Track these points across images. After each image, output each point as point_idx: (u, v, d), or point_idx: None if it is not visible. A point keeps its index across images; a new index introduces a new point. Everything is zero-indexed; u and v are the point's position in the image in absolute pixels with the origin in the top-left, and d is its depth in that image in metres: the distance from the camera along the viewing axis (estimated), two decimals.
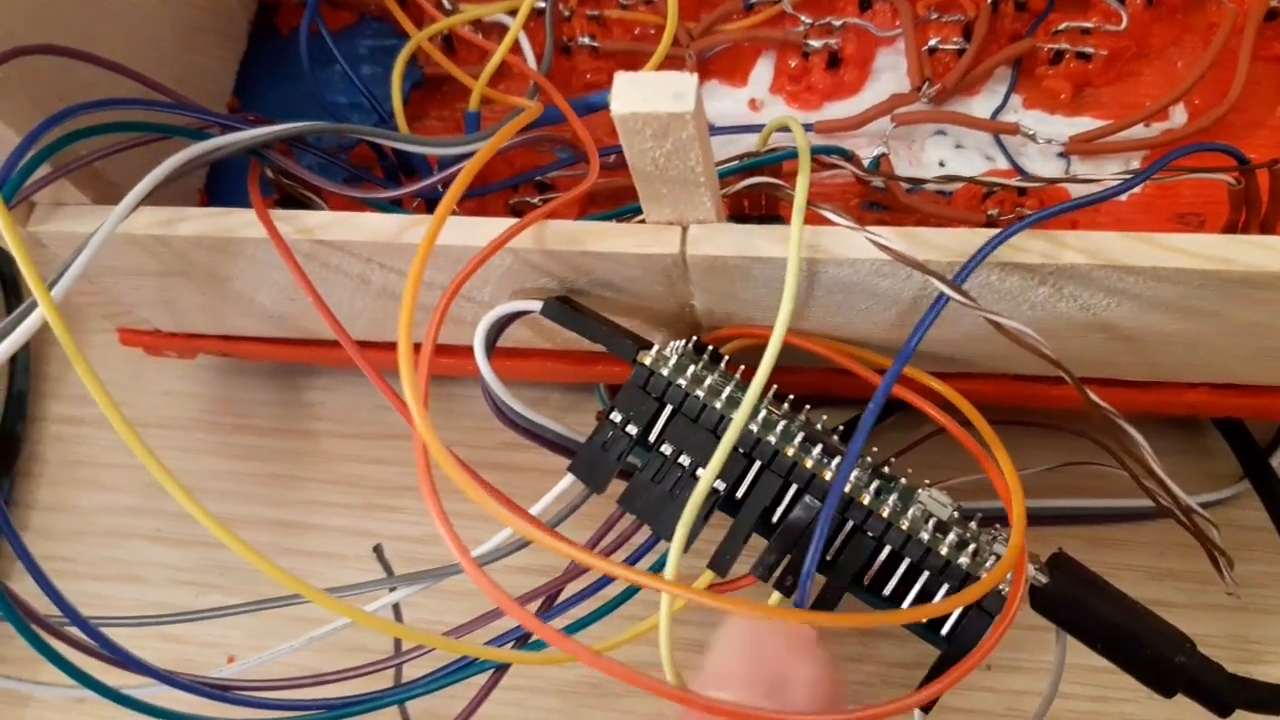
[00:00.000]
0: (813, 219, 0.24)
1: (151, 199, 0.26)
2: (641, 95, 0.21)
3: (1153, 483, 0.26)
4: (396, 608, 0.30)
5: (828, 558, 0.24)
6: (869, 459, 0.25)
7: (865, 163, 0.31)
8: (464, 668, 0.26)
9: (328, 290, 0.28)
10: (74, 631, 0.24)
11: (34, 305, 0.22)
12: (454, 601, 0.30)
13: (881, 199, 0.31)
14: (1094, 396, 0.23)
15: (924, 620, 0.23)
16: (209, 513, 0.23)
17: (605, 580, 0.26)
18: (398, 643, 0.30)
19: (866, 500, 0.24)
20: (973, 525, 0.24)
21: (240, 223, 0.27)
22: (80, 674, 0.23)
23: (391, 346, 0.31)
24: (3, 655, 0.34)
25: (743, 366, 0.26)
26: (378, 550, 0.33)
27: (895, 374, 0.23)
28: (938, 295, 0.22)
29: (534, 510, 0.25)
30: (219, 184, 0.34)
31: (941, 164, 0.32)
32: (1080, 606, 0.24)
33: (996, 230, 0.23)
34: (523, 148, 0.34)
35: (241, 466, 0.36)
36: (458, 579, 0.27)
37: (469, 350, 0.30)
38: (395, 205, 0.30)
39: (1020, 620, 0.30)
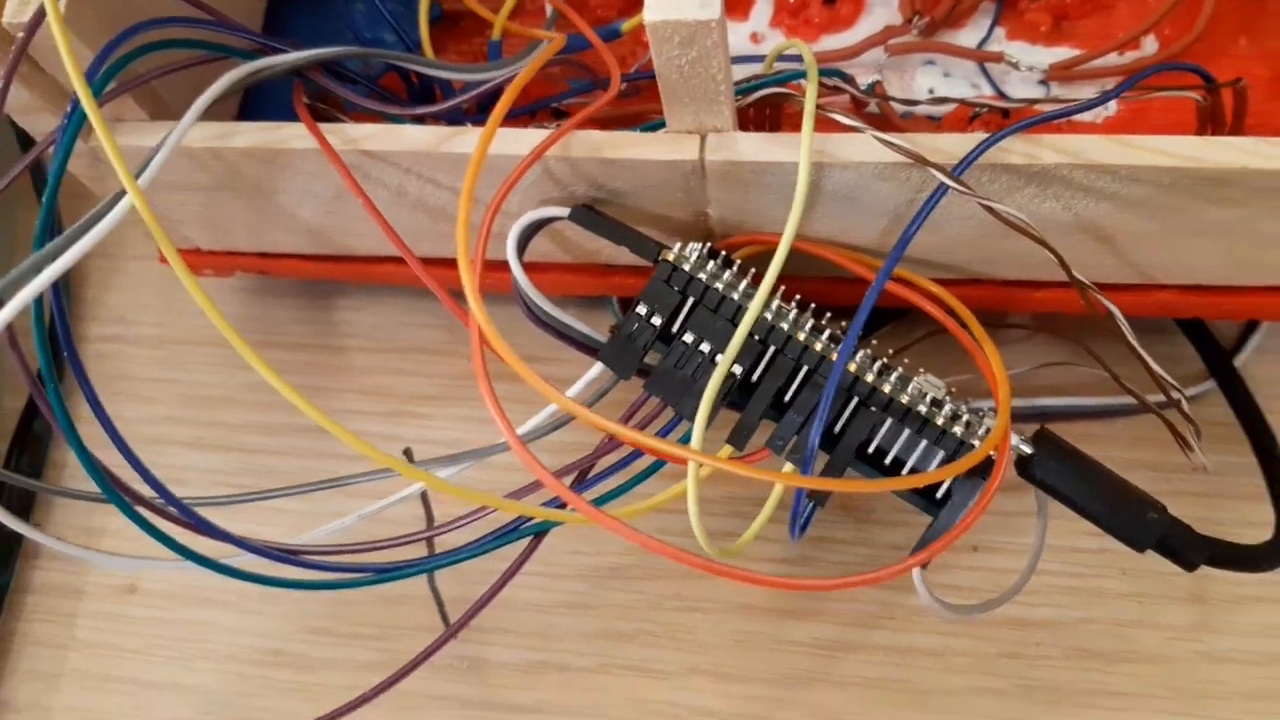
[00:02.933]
0: (820, 127, 0.26)
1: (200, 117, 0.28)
2: (672, 3, 0.24)
3: (1128, 369, 0.29)
4: (425, 496, 0.33)
5: (835, 431, 0.27)
6: (869, 351, 0.27)
7: (862, 88, 0.33)
8: (501, 537, 0.28)
9: (358, 208, 0.31)
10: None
11: (122, 193, 0.24)
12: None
13: (876, 123, 0.34)
14: (1079, 275, 0.26)
15: (922, 486, 0.26)
16: (316, 407, 0.25)
17: (632, 457, 0.28)
18: (429, 518, 0.32)
19: (870, 379, 0.26)
20: (963, 406, 0.27)
21: (290, 135, 0.29)
22: (182, 547, 0.26)
23: (424, 261, 0.34)
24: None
25: (753, 270, 0.28)
26: (407, 453, 0.35)
27: (896, 257, 0.25)
28: (937, 186, 0.25)
29: (568, 394, 0.27)
30: (251, 108, 0.36)
31: (931, 91, 0.35)
32: (1061, 472, 0.27)
33: (987, 134, 0.26)
34: (538, 78, 0.36)
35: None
36: (479, 473, 0.30)
37: (493, 265, 0.33)
38: (420, 124, 0.32)
39: (1003, 506, 0.33)
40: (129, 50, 0.26)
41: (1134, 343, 0.26)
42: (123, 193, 0.24)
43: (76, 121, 0.25)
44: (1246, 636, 0.32)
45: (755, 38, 0.36)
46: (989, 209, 0.25)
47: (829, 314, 0.28)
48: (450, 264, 0.32)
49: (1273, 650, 0.32)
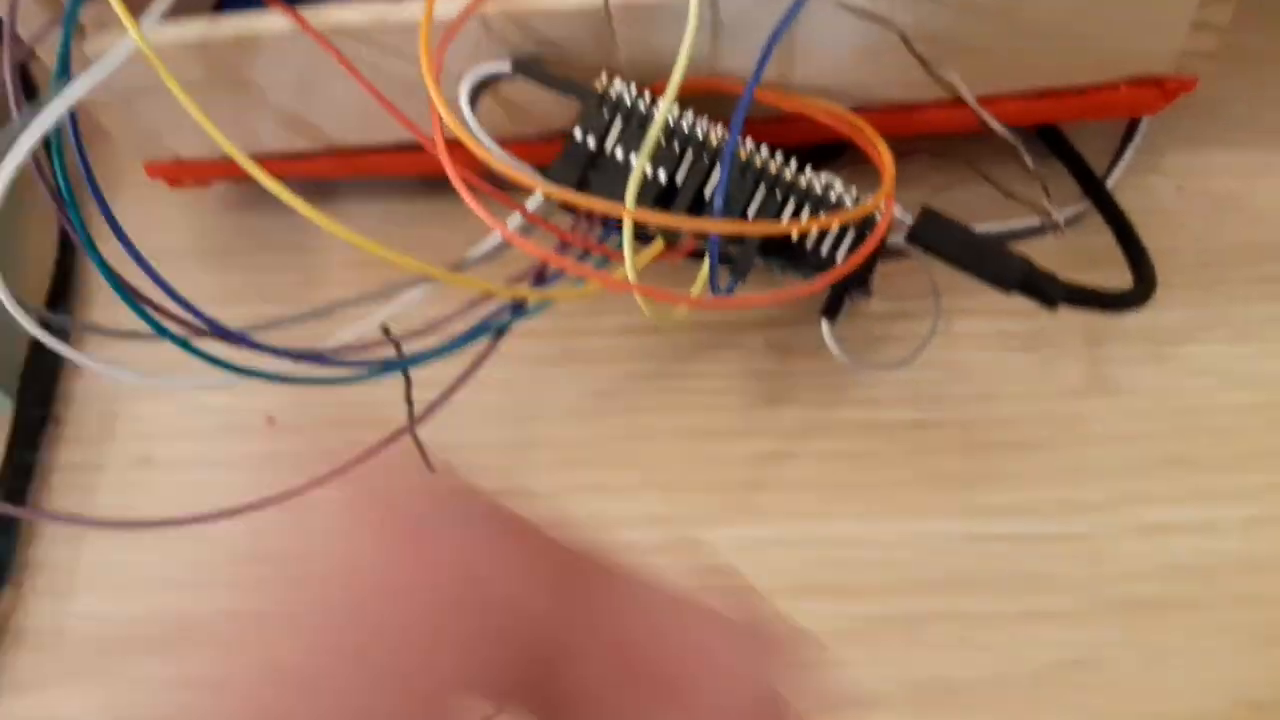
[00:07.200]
0: None
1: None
2: None
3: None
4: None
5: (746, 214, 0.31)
6: (770, 149, 0.32)
7: None
8: (470, 336, 0.33)
9: (327, 85, 0.35)
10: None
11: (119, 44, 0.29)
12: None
13: None
14: (919, 50, 0.30)
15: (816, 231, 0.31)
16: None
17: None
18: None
19: (772, 169, 0.31)
20: (855, 189, 0.32)
21: (266, 19, 0.34)
22: (208, 355, 0.31)
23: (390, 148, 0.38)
24: None
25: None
26: (385, 330, 0.39)
27: (766, 56, 0.30)
28: None
29: (529, 205, 0.32)
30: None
31: None
32: (938, 231, 0.32)
33: None
34: None
35: (266, 279, 0.43)
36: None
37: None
38: None
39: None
40: None
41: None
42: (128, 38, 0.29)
43: None
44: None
45: None
46: (844, 6, 0.30)
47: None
48: (415, 148, 0.36)
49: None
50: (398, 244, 0.42)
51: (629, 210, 0.29)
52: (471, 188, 0.31)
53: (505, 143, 0.38)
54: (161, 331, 0.31)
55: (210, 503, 0.39)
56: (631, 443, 0.38)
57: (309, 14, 0.34)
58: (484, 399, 0.37)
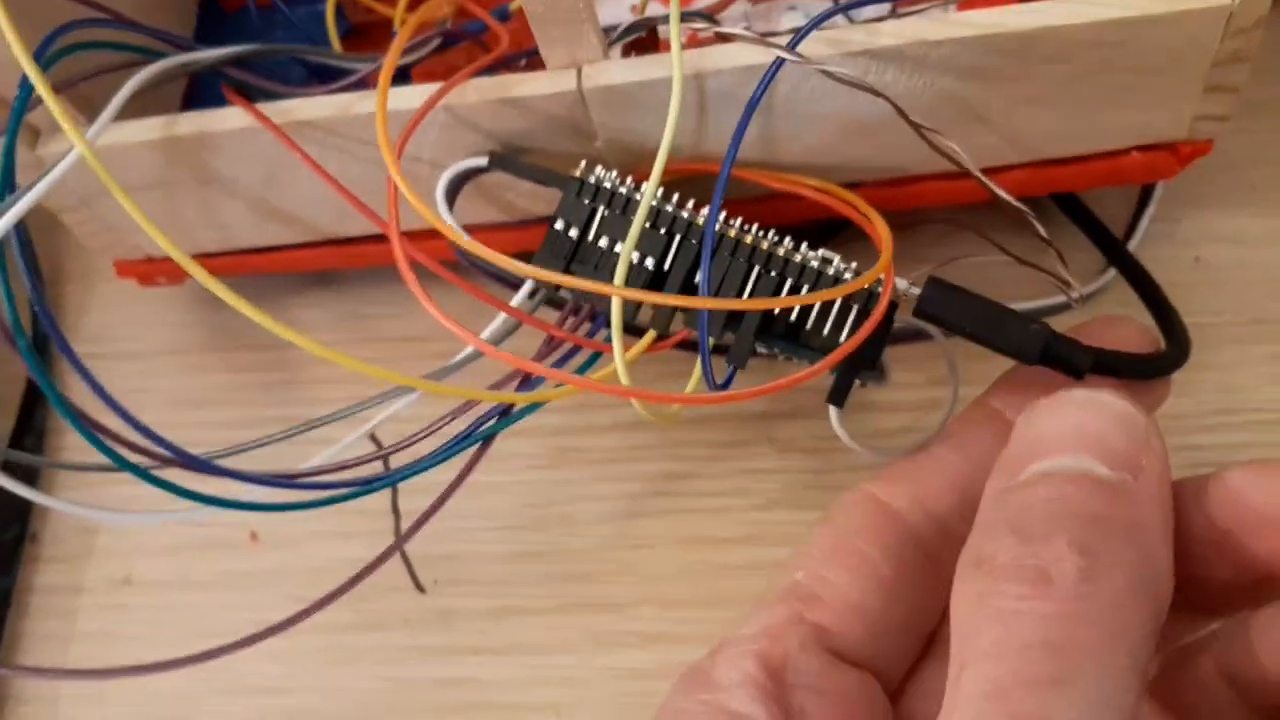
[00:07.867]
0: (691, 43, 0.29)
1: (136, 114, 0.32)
2: None
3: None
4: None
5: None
6: (764, 229, 0.30)
7: None
8: (455, 446, 0.31)
9: (296, 179, 0.34)
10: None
11: (71, 148, 0.27)
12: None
13: None
14: (919, 122, 0.28)
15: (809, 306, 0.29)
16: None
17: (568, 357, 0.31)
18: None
19: (763, 246, 0.29)
20: (854, 265, 0.29)
21: (225, 115, 0.32)
22: (183, 489, 0.29)
23: (353, 241, 0.37)
24: None
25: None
26: (372, 437, 0.37)
27: (743, 126, 0.29)
28: (774, 61, 0.28)
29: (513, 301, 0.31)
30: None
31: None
32: (948, 303, 0.28)
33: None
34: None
35: (247, 378, 0.41)
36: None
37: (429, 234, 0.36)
38: None
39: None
40: (60, 48, 0.30)
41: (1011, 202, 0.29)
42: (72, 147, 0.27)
43: (26, 92, 0.28)
44: None
45: (635, 9, 0.39)
46: (827, 73, 0.28)
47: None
48: (382, 239, 0.35)
49: None
50: (383, 331, 0.42)
51: (615, 288, 0.28)
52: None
53: (489, 229, 0.37)
54: (126, 467, 0.29)
55: (192, 626, 0.38)
56: (628, 552, 0.36)
57: (272, 109, 0.32)
58: (473, 506, 0.36)
